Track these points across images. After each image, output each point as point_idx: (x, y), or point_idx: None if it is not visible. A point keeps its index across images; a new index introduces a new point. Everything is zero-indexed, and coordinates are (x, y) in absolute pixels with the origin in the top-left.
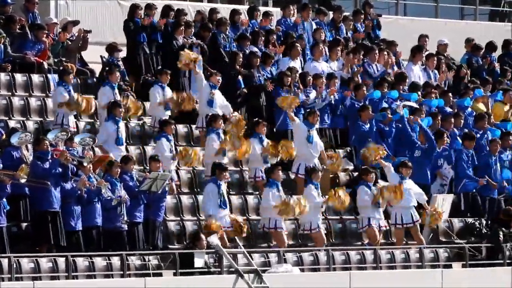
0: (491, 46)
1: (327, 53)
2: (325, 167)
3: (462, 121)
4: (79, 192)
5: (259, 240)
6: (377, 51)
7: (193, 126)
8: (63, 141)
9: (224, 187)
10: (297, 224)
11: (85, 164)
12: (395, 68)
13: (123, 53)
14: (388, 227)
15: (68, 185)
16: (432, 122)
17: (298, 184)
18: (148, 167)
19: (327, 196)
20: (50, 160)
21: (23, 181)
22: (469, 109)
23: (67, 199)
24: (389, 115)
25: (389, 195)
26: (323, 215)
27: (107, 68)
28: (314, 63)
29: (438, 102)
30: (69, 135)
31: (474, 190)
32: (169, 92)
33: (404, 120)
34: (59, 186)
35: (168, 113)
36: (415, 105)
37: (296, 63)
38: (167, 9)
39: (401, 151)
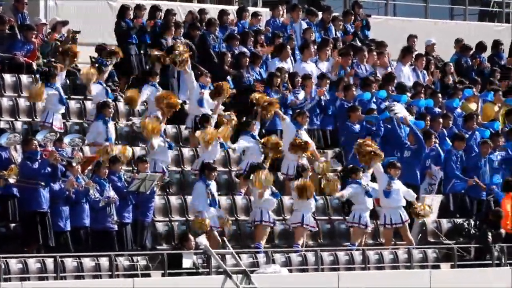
0: (481, 47)
1: (316, 54)
2: (314, 167)
3: (451, 122)
4: (67, 192)
5: (248, 240)
6: (366, 52)
7: (182, 127)
8: (52, 142)
9: (213, 186)
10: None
11: (74, 164)
12: (389, 69)
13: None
14: (371, 229)
15: (56, 186)
16: (424, 124)
17: (286, 185)
18: (136, 168)
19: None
20: (40, 160)
21: (12, 181)
22: (458, 110)
23: (55, 199)
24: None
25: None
26: (312, 215)
27: (96, 66)
28: (303, 64)
29: (426, 102)
30: (58, 135)
31: (463, 191)
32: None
33: (393, 121)
34: (48, 187)
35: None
36: (409, 117)
37: (286, 64)
38: (154, 10)
39: (389, 151)
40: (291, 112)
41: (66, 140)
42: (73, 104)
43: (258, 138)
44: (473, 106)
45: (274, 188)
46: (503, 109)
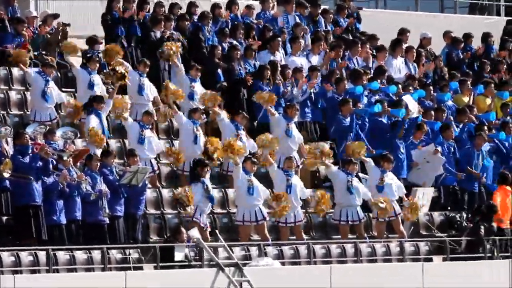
0: (467, 37)
1: (306, 47)
2: (304, 161)
3: (445, 115)
4: (60, 186)
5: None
6: (359, 45)
7: (173, 120)
8: (42, 135)
9: (208, 182)
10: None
11: (65, 158)
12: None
13: (102, 46)
14: (361, 221)
15: (50, 179)
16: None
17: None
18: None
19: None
20: (31, 154)
21: (6, 175)
22: (449, 103)
23: (49, 193)
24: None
25: None
26: (302, 209)
27: (88, 55)
28: (292, 57)
29: (418, 93)
30: (47, 128)
31: (455, 183)
32: (146, 80)
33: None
34: (40, 180)
35: (150, 105)
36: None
37: (276, 57)
38: (142, 2)
39: (375, 143)
40: (283, 105)
41: (59, 133)
42: (64, 97)
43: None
44: (465, 99)
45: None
46: (495, 101)
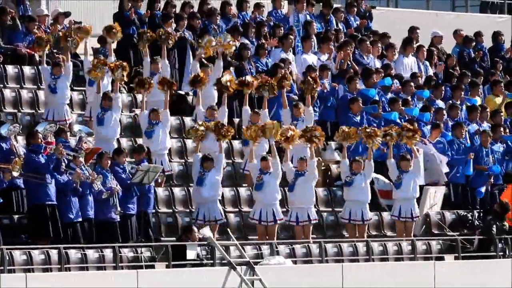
0: (477, 35)
1: (316, 46)
2: (317, 159)
3: (459, 112)
4: (74, 184)
5: (252, 232)
6: (368, 42)
7: (185, 118)
8: (52, 134)
9: None
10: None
11: (81, 159)
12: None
13: (114, 45)
14: (369, 220)
15: (64, 178)
16: (429, 116)
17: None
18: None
19: None
20: (44, 155)
21: (16, 174)
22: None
23: (64, 191)
24: (380, 111)
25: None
26: (315, 207)
27: (99, 55)
28: (304, 56)
29: (430, 92)
30: (58, 127)
31: (464, 183)
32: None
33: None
34: (54, 178)
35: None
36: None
37: (289, 55)
38: (152, 1)
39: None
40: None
41: (76, 128)
42: (75, 96)
43: None
44: (476, 100)
45: None
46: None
